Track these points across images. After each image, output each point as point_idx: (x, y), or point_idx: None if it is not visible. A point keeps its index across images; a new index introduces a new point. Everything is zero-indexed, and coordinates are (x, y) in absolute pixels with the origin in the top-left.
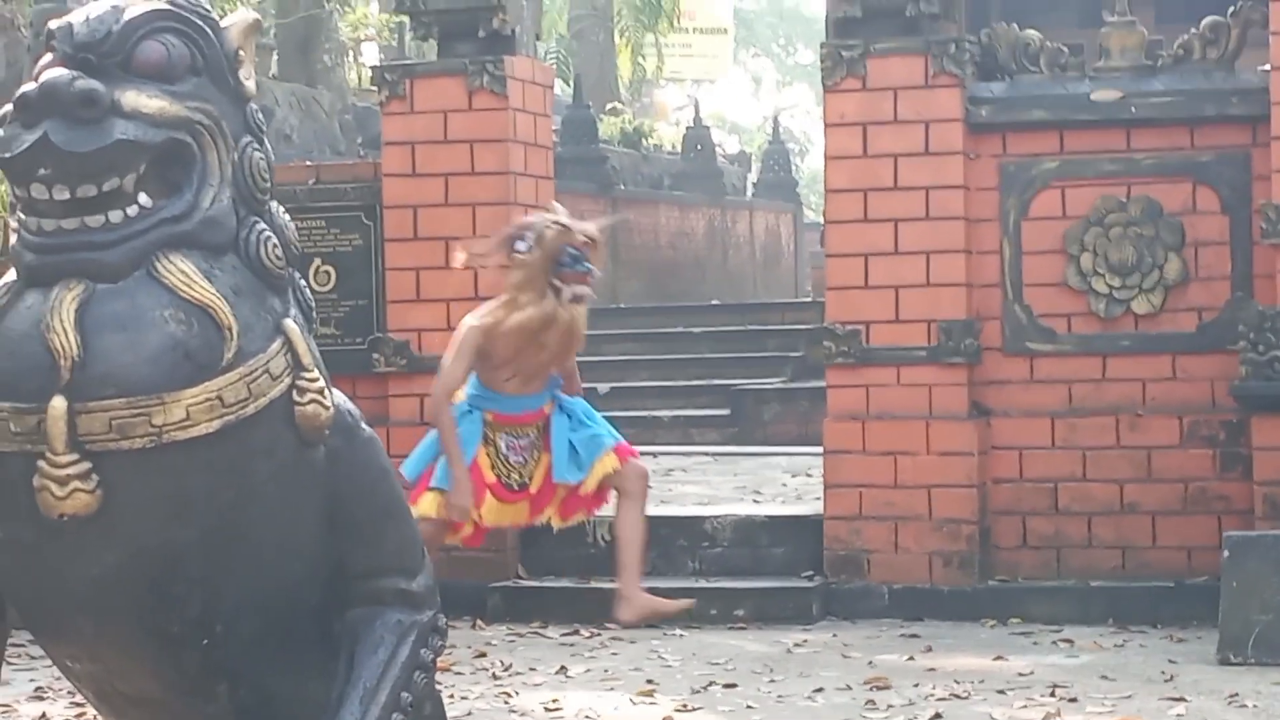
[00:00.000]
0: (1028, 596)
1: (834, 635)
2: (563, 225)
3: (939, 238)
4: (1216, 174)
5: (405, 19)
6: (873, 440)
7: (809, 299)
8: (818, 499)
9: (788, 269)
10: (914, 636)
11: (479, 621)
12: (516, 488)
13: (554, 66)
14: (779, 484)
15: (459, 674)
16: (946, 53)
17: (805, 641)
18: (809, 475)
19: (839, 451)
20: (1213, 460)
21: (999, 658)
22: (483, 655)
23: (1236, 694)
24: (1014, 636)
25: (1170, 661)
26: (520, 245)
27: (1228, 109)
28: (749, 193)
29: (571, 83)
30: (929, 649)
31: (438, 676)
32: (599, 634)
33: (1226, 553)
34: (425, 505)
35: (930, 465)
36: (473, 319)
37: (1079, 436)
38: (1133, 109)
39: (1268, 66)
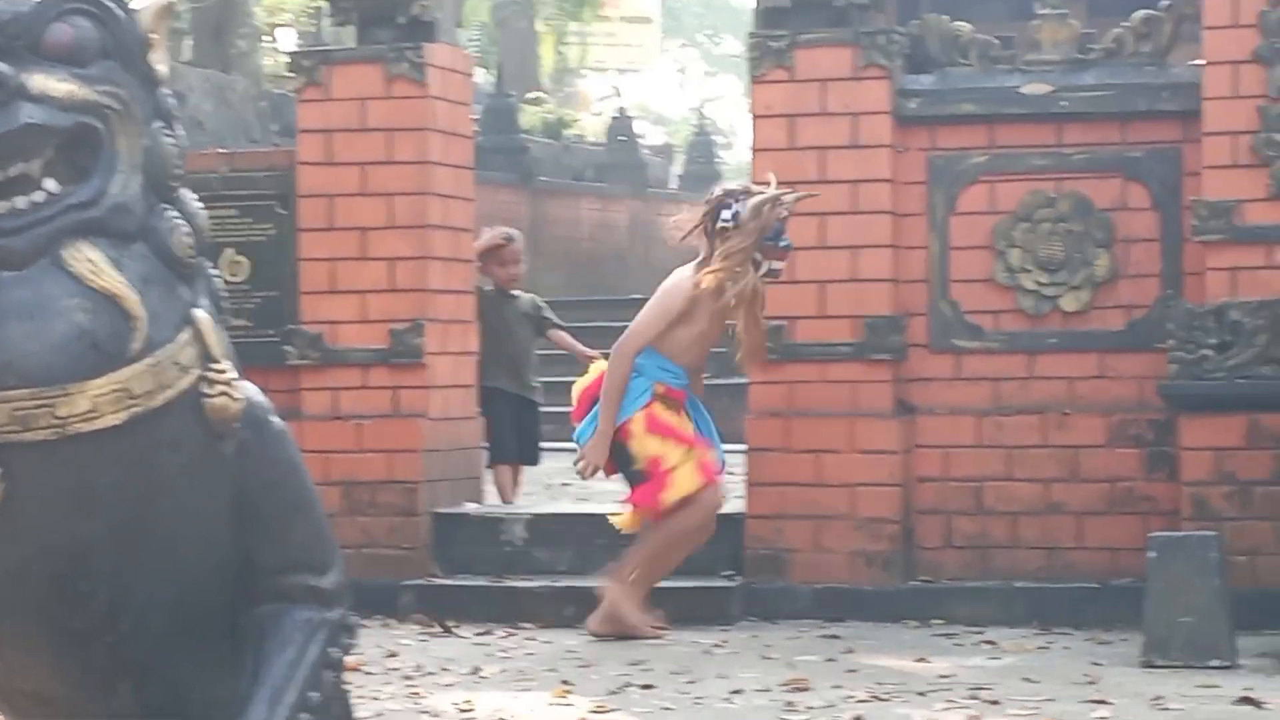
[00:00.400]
0: (951, 597)
1: (754, 636)
2: (775, 198)
3: (865, 232)
4: (1147, 170)
5: (323, 4)
6: (795, 438)
7: None
8: (739, 497)
9: None
10: (835, 637)
11: (391, 620)
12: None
13: (475, 54)
14: None
15: (369, 674)
16: (875, 44)
17: (724, 642)
18: (731, 473)
19: (761, 449)
20: (1140, 460)
21: (921, 659)
22: (394, 655)
23: (1160, 697)
24: (936, 638)
25: (1094, 664)
26: (725, 215)
27: (1160, 104)
28: (673, 185)
29: (493, 71)
30: (850, 650)
31: (347, 676)
32: (514, 633)
33: (1152, 554)
34: (684, 481)
35: (854, 463)
36: (683, 281)
37: (1005, 435)
38: (1063, 103)
39: (1200, 61)
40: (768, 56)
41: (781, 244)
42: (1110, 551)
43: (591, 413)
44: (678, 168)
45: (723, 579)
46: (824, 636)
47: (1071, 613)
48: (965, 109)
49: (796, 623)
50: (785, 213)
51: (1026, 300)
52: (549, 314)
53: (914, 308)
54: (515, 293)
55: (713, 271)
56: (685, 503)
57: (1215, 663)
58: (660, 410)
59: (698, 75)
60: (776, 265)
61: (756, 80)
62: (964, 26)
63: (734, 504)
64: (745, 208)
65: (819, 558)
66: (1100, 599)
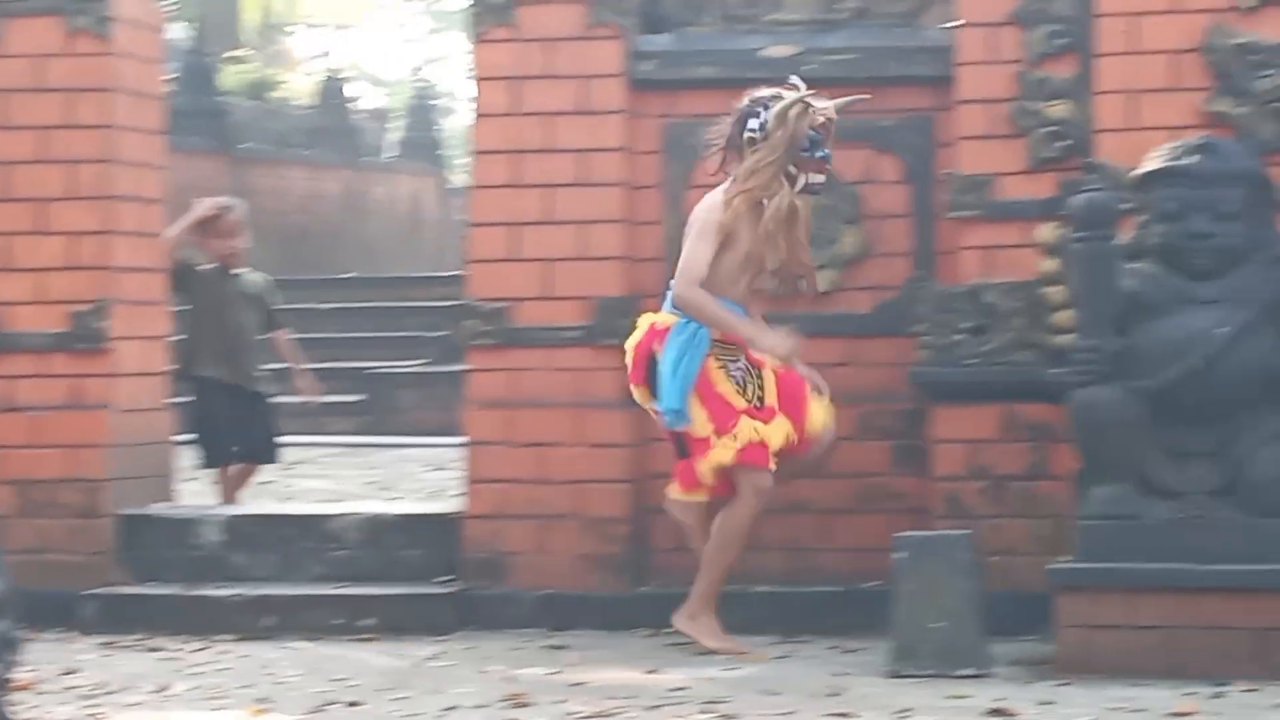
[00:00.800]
0: (679, 604)
1: (471, 647)
2: (806, 103)
3: (596, 206)
4: (898, 140)
5: None
6: (519, 430)
7: (455, 272)
8: (459, 496)
9: (432, 239)
10: (560, 648)
11: (72, 633)
12: (760, 405)
13: (169, 7)
14: (416, 479)
15: (43, 693)
16: (607, 1)
17: (439, 654)
18: (450, 469)
19: (482, 443)
20: (888, 454)
21: (652, 671)
22: (72, 672)
23: (909, 709)
24: (669, 648)
25: (838, 674)
26: (752, 124)
27: (911, 68)
28: (392, 153)
29: (190, 26)
30: (576, 661)
31: (15, 696)
32: (207, 646)
33: (900, 555)
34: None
35: (581, 458)
36: (714, 202)
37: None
38: (809, 66)
39: (955, 23)
40: (489, 13)
41: (819, 154)
42: (857, 552)
43: (664, 370)
44: (396, 134)
45: (437, 585)
46: (548, 647)
47: (815, 619)
48: (704, 72)
49: (518, 632)
50: (821, 119)
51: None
52: (279, 305)
53: (648, 288)
54: (237, 270)
55: (742, 191)
56: (725, 484)
57: (967, 671)
58: (714, 369)
59: (420, 33)
60: (816, 179)
61: (478, 39)
62: None
63: (452, 503)
64: (770, 116)
65: (543, 561)
66: (846, 603)
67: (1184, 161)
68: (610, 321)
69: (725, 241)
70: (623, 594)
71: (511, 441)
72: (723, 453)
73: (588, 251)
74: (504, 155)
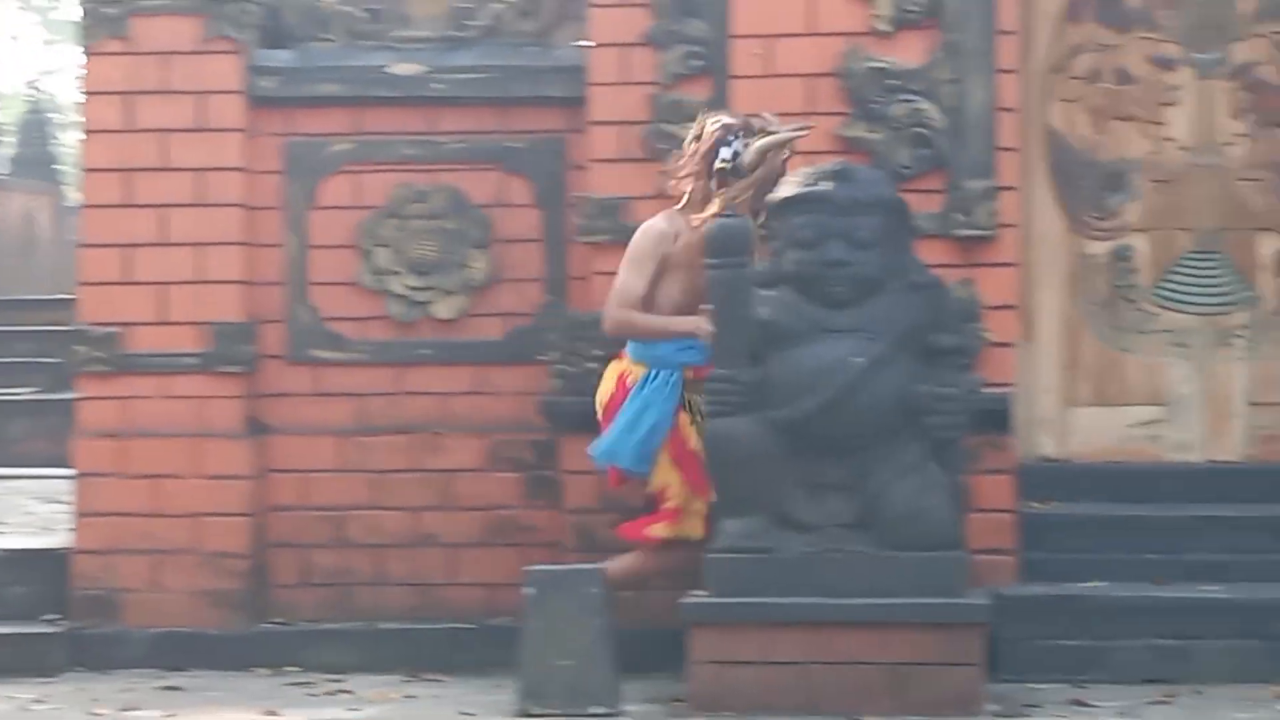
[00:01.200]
0: (308, 641)
1: (80, 688)
2: (784, 142)
3: (213, 227)
4: (529, 162)
5: None
6: (132, 461)
7: (69, 296)
8: (70, 530)
9: (46, 260)
10: (175, 689)
11: None
12: None
13: None
14: (26, 512)
15: None
16: (225, 14)
17: (46, 696)
18: (61, 502)
19: (92, 474)
20: (519, 485)
21: (271, 712)
22: None
23: None
24: (290, 687)
25: (464, 714)
26: (724, 153)
27: (543, 89)
28: (3, 169)
29: None
30: (191, 703)
31: None
32: None
33: (529, 590)
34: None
35: (198, 491)
36: (654, 226)
37: (370, 458)
38: (437, 85)
39: (587, 42)
40: (101, 24)
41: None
42: (487, 588)
43: (616, 424)
44: (7, 150)
45: (44, 624)
46: (162, 688)
47: (444, 656)
48: (327, 90)
49: (130, 673)
50: (789, 153)
51: (395, 306)
52: None
53: (268, 314)
54: None
55: (716, 216)
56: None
57: (597, 710)
58: (685, 424)
59: (35, 43)
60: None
61: (89, 52)
62: None
63: (61, 537)
64: (748, 152)
65: (157, 598)
66: (476, 640)
67: (819, 188)
68: (228, 348)
69: (673, 274)
70: (241, 632)
71: (124, 473)
72: (694, 526)
73: (205, 275)
74: (116, 173)
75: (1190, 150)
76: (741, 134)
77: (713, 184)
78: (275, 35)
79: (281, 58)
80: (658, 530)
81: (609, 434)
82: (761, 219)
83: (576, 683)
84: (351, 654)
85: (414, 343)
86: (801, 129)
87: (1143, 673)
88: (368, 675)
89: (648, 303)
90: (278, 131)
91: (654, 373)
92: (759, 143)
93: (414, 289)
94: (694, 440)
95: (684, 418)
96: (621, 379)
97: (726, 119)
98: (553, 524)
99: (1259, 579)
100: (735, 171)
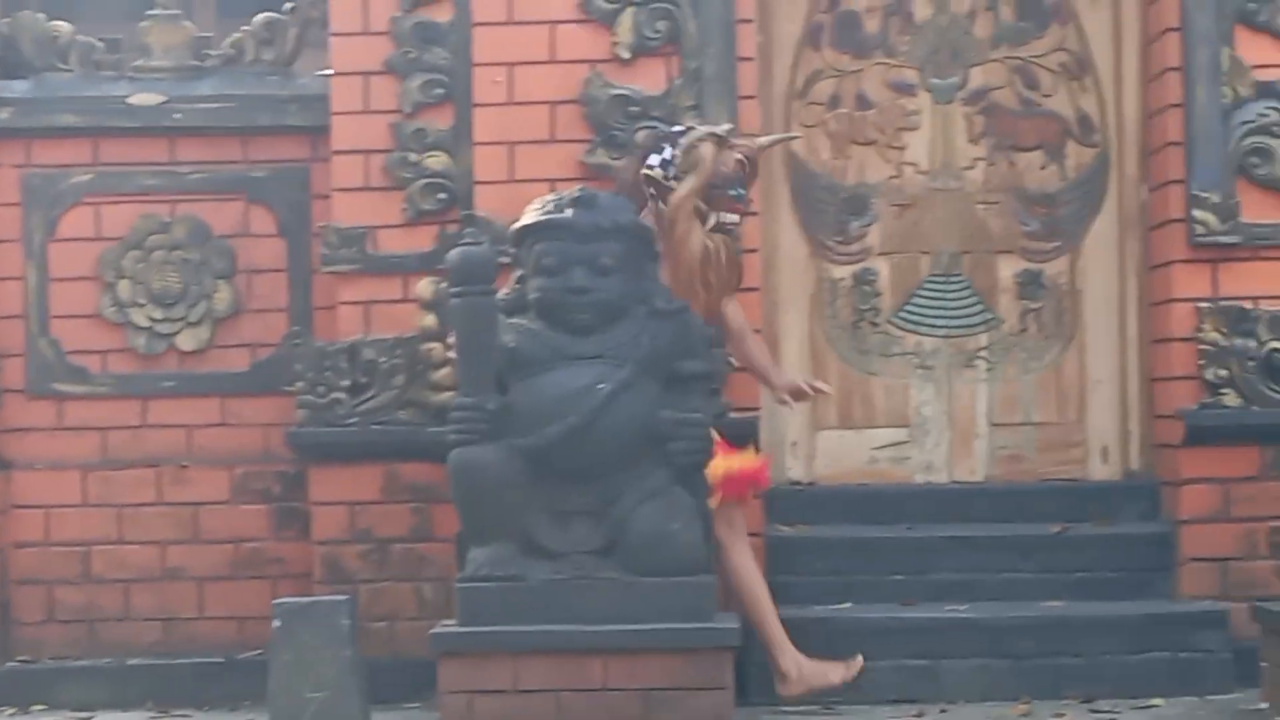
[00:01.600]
0: (55, 679)
1: None
2: (718, 139)
3: None
4: (272, 191)
5: None
6: None
7: None
8: None
9: None
10: None
11: None
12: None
13: None
14: None
15: None
16: None
17: None
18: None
19: None
20: (267, 517)
21: None
22: None
23: None
24: None
25: None
26: (653, 161)
27: (285, 118)
28: None
29: None
30: None
31: None
32: None
33: (276, 622)
34: None
35: None
36: None
37: (115, 492)
38: (177, 115)
39: (329, 71)
40: None
41: (731, 193)
42: (237, 621)
43: None
44: None
45: None
46: None
47: (194, 691)
48: (65, 120)
49: None
50: (735, 158)
51: (138, 338)
52: None
53: (8, 347)
54: None
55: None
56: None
57: None
58: None
59: None
60: (729, 218)
61: None
62: (63, 26)
63: None
64: (679, 153)
65: None
66: (226, 674)
67: (561, 215)
68: None
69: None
70: None
71: None
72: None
73: None
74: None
75: (930, 174)
76: (677, 138)
77: (650, 190)
78: (11, 65)
79: (18, 88)
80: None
81: None
82: (711, 220)
83: (326, 714)
84: (99, 691)
85: (158, 375)
86: (781, 138)
87: (892, 693)
88: (116, 712)
89: None
90: (15, 163)
91: None
92: (686, 138)
93: (157, 321)
94: None
95: None
96: None
97: (671, 129)
98: (301, 555)
99: (1004, 598)
100: (666, 178)
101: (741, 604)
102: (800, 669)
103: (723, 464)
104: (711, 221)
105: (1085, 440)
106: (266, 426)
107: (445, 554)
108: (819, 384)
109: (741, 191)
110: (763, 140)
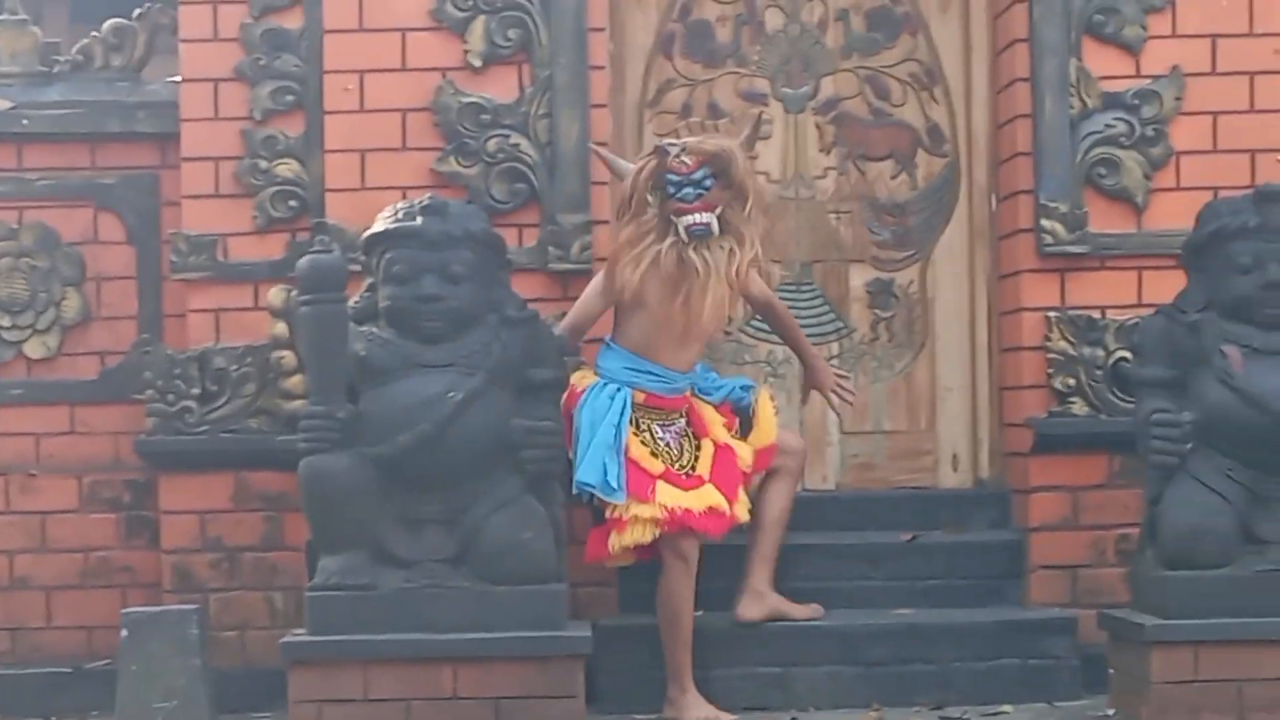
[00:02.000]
0: None
1: None
2: (657, 149)
3: None
4: (121, 198)
5: None
6: None
7: None
8: None
9: None
10: None
11: None
12: (688, 475)
13: None
14: None
15: None
16: None
17: None
18: None
19: None
20: (117, 526)
21: None
22: None
23: None
24: None
25: None
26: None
27: (134, 124)
28: None
29: None
30: None
31: None
32: None
33: (124, 632)
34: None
35: None
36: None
37: None
38: (24, 121)
39: (179, 78)
40: None
41: (683, 195)
42: (85, 630)
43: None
44: None
45: None
46: None
47: (42, 701)
48: None
49: None
50: (680, 162)
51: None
52: None
53: None
54: None
55: (632, 258)
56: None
57: None
58: (633, 441)
59: None
60: (691, 219)
61: None
62: None
63: None
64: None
65: None
66: (74, 684)
67: (411, 223)
68: None
69: (634, 299)
70: None
71: None
72: (640, 532)
73: None
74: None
75: (781, 183)
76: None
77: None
78: None
79: None
80: (612, 543)
81: (583, 463)
82: (680, 229)
83: None
84: None
85: (6, 383)
86: (706, 148)
87: (744, 700)
88: None
89: (623, 331)
90: None
91: (603, 382)
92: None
93: (5, 328)
94: (634, 447)
95: (639, 445)
96: (572, 389)
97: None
98: (151, 564)
99: (855, 605)
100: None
101: (665, 628)
102: (685, 706)
103: (701, 500)
104: (681, 230)
105: (936, 448)
106: (116, 434)
107: (296, 563)
108: (847, 392)
109: (686, 190)
110: (716, 142)
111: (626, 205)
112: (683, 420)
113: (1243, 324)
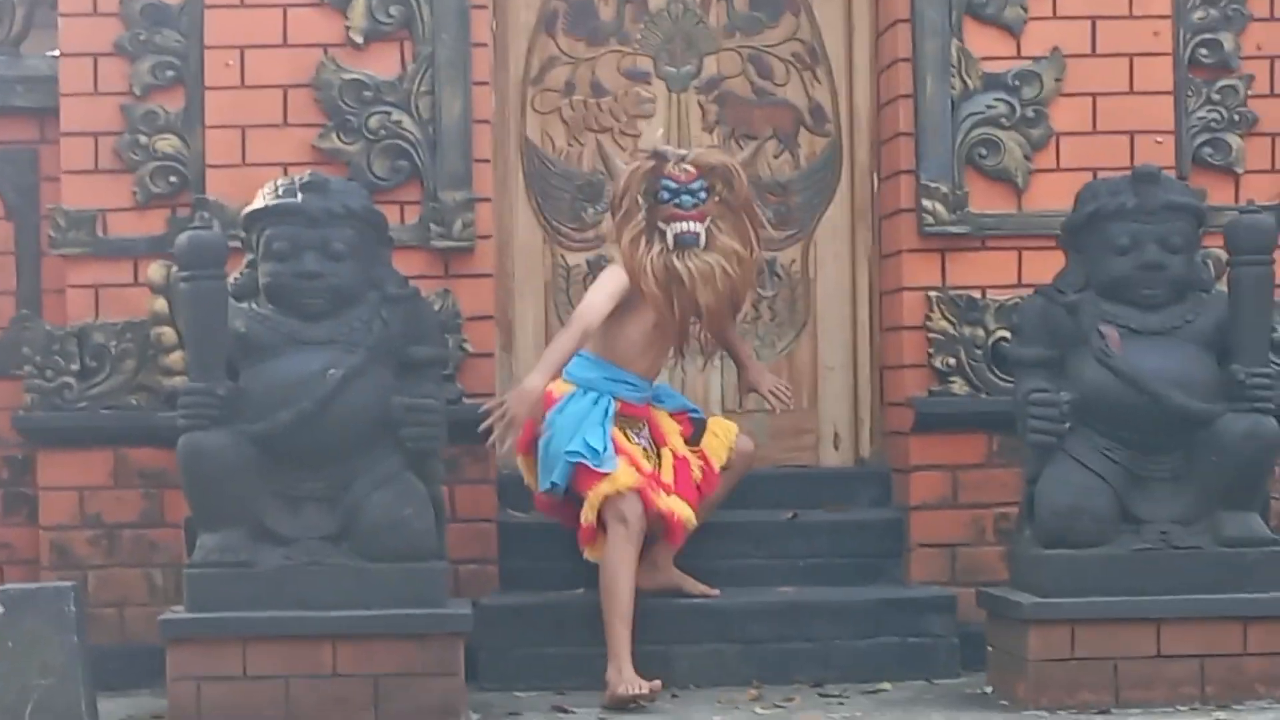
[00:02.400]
0: None
1: None
2: (649, 154)
3: None
4: (0, 174)
5: None
6: None
7: None
8: None
9: None
10: None
11: None
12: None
13: None
14: None
15: None
16: None
17: None
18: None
19: None
20: None
21: None
22: None
23: None
24: None
25: None
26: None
27: (12, 99)
28: None
29: None
30: None
31: None
32: None
33: (1, 609)
34: (624, 476)
35: None
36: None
37: None
38: None
39: (56, 52)
40: None
41: (675, 202)
42: None
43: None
44: None
45: None
46: None
47: None
48: None
49: None
50: (675, 169)
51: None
52: None
53: None
54: None
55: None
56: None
57: None
58: (617, 435)
59: None
60: (683, 227)
61: None
62: None
63: None
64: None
65: None
66: None
67: (291, 200)
68: None
69: (629, 309)
70: None
71: None
72: (609, 484)
73: None
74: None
75: None
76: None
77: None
78: None
79: None
80: (591, 497)
81: (546, 466)
82: (669, 236)
83: (52, 701)
84: None
85: None
86: (701, 157)
87: None
88: None
89: (612, 343)
90: None
91: (582, 390)
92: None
93: None
94: (627, 446)
95: (615, 431)
96: (548, 395)
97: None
98: (29, 541)
99: (737, 584)
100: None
101: (603, 601)
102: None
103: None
104: (670, 237)
105: (817, 427)
106: None
107: (176, 540)
108: (782, 390)
109: (688, 198)
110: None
111: (618, 204)
112: (646, 429)
113: (1121, 304)
